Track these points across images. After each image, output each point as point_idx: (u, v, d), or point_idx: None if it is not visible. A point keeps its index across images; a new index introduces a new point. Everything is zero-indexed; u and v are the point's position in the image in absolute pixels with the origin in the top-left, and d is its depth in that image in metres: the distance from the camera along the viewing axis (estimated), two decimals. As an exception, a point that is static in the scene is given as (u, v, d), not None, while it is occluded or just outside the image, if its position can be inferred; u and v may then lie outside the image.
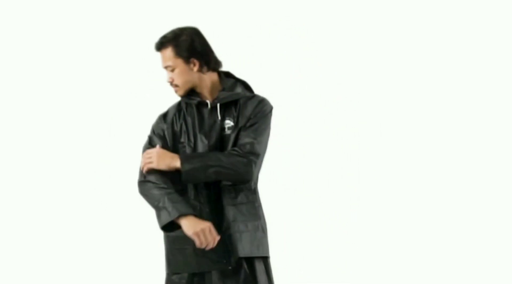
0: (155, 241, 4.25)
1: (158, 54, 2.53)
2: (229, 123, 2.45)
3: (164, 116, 2.60)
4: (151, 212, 4.21)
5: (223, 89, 2.49)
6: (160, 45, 2.41)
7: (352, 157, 4.53)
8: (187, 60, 2.43)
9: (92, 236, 4.31)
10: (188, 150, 2.46)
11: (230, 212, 2.48)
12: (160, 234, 4.19)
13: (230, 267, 2.45)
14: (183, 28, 2.46)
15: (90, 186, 4.38)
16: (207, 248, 2.38)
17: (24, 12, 4.42)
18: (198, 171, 2.34)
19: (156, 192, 2.41)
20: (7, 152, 4.38)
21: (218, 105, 2.45)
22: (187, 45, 2.40)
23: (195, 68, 2.45)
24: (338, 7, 4.48)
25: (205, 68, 2.48)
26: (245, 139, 2.42)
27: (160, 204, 2.39)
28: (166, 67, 2.44)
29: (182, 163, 2.34)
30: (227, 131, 2.44)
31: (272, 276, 2.60)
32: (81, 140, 4.40)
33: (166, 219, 2.37)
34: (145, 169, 2.43)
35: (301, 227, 4.34)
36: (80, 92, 4.46)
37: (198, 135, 2.45)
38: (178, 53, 2.41)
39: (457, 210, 4.43)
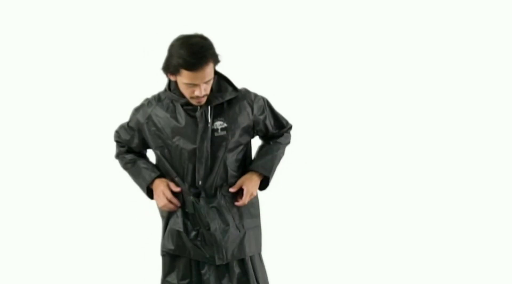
0: (154, 242, 4.31)
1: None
2: (221, 124, 2.48)
3: (139, 109, 2.64)
4: (150, 212, 4.27)
5: (211, 90, 2.47)
6: (206, 61, 2.32)
7: (351, 157, 4.53)
8: (215, 66, 2.42)
9: (92, 236, 4.31)
10: (174, 151, 2.51)
11: (236, 213, 2.57)
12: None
13: (224, 263, 2.52)
14: (196, 35, 2.39)
15: (89, 186, 4.37)
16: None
17: (25, 12, 4.43)
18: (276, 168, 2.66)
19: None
20: (7, 152, 4.37)
21: (209, 108, 2.45)
22: (216, 53, 2.39)
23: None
24: (338, 8, 4.48)
25: None
26: (279, 122, 2.71)
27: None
28: (207, 82, 2.37)
29: (270, 177, 2.62)
30: (220, 133, 2.47)
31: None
32: (81, 140, 4.40)
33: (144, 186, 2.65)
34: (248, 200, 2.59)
35: (295, 226, 4.35)
36: (80, 92, 4.46)
37: (186, 137, 2.48)
38: (215, 63, 2.39)
39: (457, 212, 4.42)
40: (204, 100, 2.42)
